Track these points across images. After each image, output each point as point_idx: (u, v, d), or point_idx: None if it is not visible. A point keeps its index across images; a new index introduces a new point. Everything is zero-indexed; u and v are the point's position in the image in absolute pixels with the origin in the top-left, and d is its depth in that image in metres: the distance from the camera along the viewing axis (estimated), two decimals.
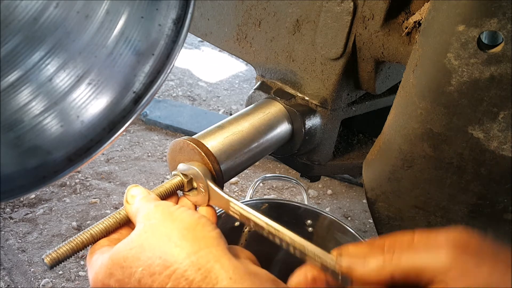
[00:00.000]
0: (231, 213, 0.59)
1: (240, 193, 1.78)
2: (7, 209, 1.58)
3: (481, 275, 0.42)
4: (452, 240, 0.44)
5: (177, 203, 0.63)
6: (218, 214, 0.92)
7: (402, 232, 0.48)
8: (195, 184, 0.62)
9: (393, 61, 0.73)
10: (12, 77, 0.54)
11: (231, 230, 0.99)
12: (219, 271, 0.45)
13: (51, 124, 0.57)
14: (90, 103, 0.59)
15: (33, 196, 1.64)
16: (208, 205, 0.62)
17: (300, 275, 0.50)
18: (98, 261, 0.51)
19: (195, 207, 0.63)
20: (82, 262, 1.42)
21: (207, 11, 0.97)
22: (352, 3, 0.71)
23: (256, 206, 0.98)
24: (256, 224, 0.55)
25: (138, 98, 0.61)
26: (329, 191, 1.82)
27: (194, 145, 0.64)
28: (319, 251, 0.49)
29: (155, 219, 0.50)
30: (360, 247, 0.48)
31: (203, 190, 0.61)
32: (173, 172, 0.64)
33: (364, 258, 0.46)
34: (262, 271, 0.49)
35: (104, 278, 0.49)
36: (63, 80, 0.58)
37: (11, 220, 1.54)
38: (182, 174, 0.63)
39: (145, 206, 0.53)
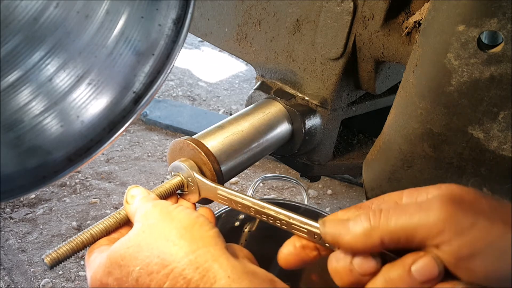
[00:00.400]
0: (220, 201, 0.60)
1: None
2: (7, 209, 1.58)
3: (477, 235, 0.39)
4: (444, 196, 0.41)
5: (176, 203, 0.63)
6: (218, 214, 0.93)
7: (391, 192, 0.45)
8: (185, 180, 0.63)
9: (393, 61, 0.73)
10: (12, 77, 0.55)
11: (231, 230, 0.99)
12: (217, 270, 0.45)
13: (51, 124, 0.57)
14: (90, 103, 0.59)
15: (33, 196, 1.63)
16: (202, 199, 0.63)
17: (289, 245, 0.50)
18: (96, 260, 0.51)
19: (195, 207, 0.63)
20: (82, 262, 1.42)
21: (207, 11, 0.97)
22: (352, 3, 0.71)
23: None
24: (243, 205, 0.57)
25: (138, 98, 0.61)
26: (329, 191, 1.82)
27: (194, 145, 0.64)
28: (304, 220, 0.50)
29: (153, 218, 0.50)
30: (348, 211, 0.46)
31: (192, 184, 0.62)
32: (173, 172, 0.64)
33: (348, 224, 0.43)
34: (260, 271, 0.49)
35: (102, 277, 0.49)
36: (63, 80, 0.58)
37: (11, 220, 1.54)
38: (178, 173, 0.63)
39: (143, 206, 0.53)
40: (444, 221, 0.39)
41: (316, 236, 0.49)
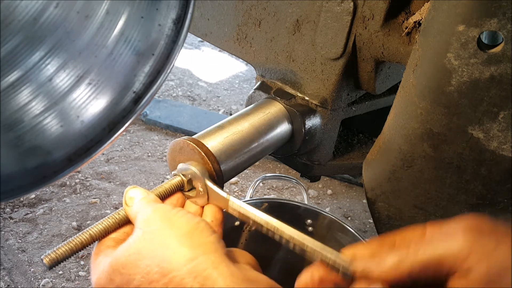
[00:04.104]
0: (230, 210, 0.59)
1: (240, 193, 1.78)
2: (7, 209, 1.58)
3: (502, 255, 0.41)
4: (465, 225, 0.43)
5: (182, 202, 0.62)
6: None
7: (411, 226, 0.46)
8: (194, 184, 0.63)
9: (393, 61, 0.73)
10: (12, 77, 0.54)
11: (231, 230, 0.99)
12: (217, 279, 0.45)
13: (51, 124, 0.57)
14: (90, 103, 0.59)
15: (33, 196, 1.64)
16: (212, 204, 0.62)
17: (306, 276, 0.50)
18: (100, 265, 0.52)
19: (202, 208, 0.63)
20: (82, 262, 1.42)
21: (207, 11, 0.97)
22: (352, 3, 0.71)
23: (256, 205, 0.98)
24: (255, 222, 0.56)
25: (138, 98, 0.61)
26: (329, 191, 1.82)
27: (194, 145, 0.64)
28: (319, 247, 0.49)
29: (153, 224, 0.50)
30: (371, 246, 0.47)
31: (201, 190, 0.61)
32: (173, 172, 0.64)
33: (379, 258, 0.45)
34: (261, 277, 0.49)
35: (105, 283, 0.50)
36: (63, 80, 0.58)
37: (11, 220, 1.54)
38: (181, 174, 0.63)
39: (143, 210, 0.53)
40: (470, 246, 0.42)
41: (329, 264, 0.48)
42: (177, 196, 0.62)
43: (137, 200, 0.55)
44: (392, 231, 0.47)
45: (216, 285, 0.44)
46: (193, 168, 0.62)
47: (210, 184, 0.61)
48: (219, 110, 2.39)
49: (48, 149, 0.57)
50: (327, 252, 0.48)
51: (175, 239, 0.48)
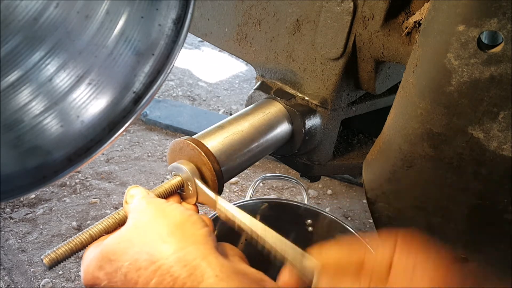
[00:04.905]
0: (218, 212, 0.60)
1: (240, 193, 1.78)
2: (7, 209, 1.58)
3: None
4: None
5: (180, 203, 0.63)
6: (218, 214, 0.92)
7: (383, 246, 0.47)
8: (185, 182, 0.63)
9: (393, 61, 0.73)
10: (12, 77, 0.55)
11: (231, 230, 0.99)
12: (205, 269, 0.45)
13: (51, 124, 0.58)
14: (90, 103, 0.59)
15: (33, 196, 1.63)
16: (196, 204, 0.63)
17: (288, 273, 0.51)
18: (90, 254, 0.52)
19: (197, 209, 0.63)
20: None
21: (207, 11, 0.97)
22: (352, 3, 0.71)
23: (256, 205, 0.98)
24: (240, 227, 0.56)
25: (138, 98, 0.61)
26: (329, 191, 1.82)
27: (194, 145, 0.64)
28: (298, 260, 0.50)
29: (146, 215, 0.51)
30: (339, 254, 0.48)
31: (191, 188, 0.62)
32: (173, 172, 0.64)
33: (342, 281, 0.46)
34: (250, 270, 0.49)
35: (94, 271, 0.50)
36: (63, 80, 0.58)
37: (11, 220, 1.54)
38: (173, 173, 0.63)
39: (139, 203, 0.54)
40: None
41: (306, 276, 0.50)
42: (176, 198, 0.63)
43: (137, 198, 0.56)
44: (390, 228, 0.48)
45: (205, 275, 0.44)
46: (183, 167, 0.62)
47: (199, 184, 0.61)
48: (219, 110, 2.39)
49: (48, 149, 0.57)
50: (306, 265, 0.49)
51: (166, 228, 0.48)
